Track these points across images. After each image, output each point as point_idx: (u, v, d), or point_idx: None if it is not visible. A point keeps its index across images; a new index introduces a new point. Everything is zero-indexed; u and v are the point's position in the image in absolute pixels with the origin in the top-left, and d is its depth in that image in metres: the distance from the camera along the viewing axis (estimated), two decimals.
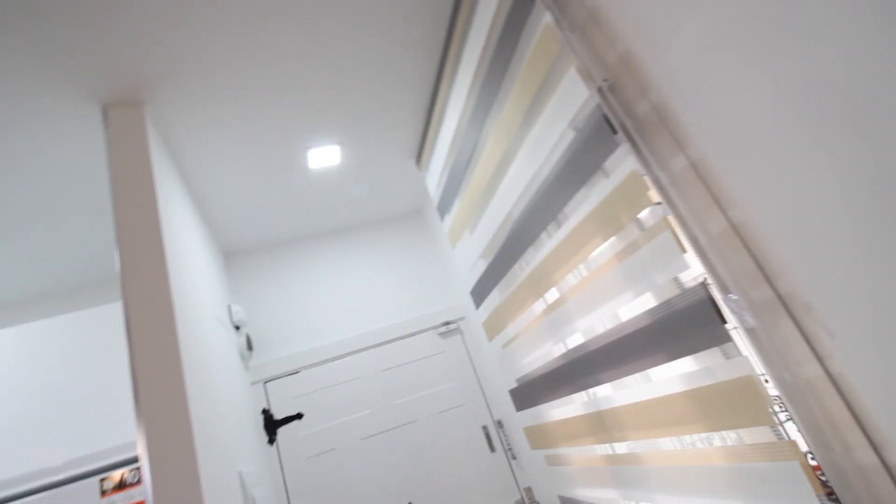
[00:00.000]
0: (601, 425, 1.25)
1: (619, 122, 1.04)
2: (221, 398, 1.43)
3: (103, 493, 1.30)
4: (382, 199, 2.40)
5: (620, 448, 1.40)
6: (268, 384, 2.12)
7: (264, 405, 2.08)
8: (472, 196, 1.65)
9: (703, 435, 1.19)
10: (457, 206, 1.84)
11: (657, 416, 1.07)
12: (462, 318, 2.37)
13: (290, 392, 2.11)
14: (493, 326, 1.73)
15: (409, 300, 2.41)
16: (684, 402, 0.99)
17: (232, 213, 2.07)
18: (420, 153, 2.05)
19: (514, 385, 1.71)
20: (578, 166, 1.15)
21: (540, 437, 1.60)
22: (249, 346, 2.04)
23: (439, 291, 2.45)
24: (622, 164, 1.04)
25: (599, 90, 1.07)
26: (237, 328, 2.00)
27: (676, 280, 1.07)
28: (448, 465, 2.09)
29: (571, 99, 1.11)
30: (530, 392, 1.59)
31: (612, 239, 1.15)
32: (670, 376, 1.06)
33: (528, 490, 2.09)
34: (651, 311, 1.04)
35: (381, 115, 1.81)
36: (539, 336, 1.45)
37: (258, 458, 1.81)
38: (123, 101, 1.43)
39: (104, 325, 1.54)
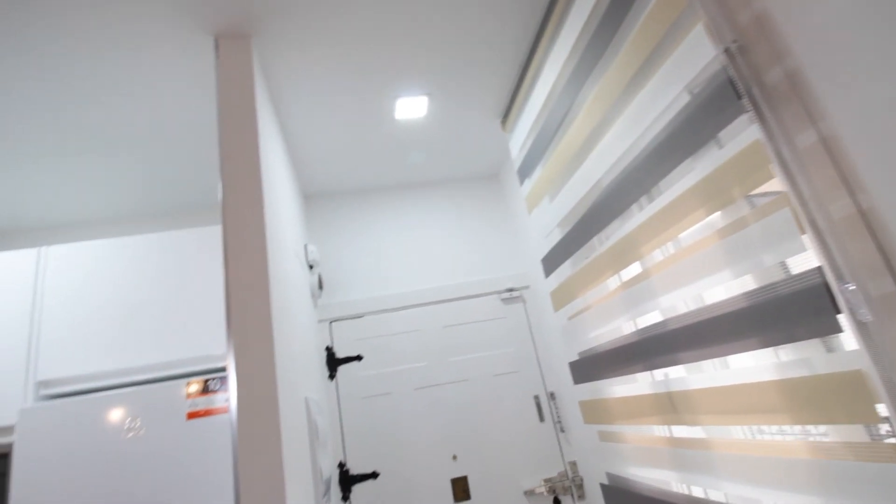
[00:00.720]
0: (670, 407, 1.22)
1: (745, 87, 0.96)
2: (296, 327, 1.52)
3: (188, 395, 1.42)
4: (462, 157, 2.39)
5: (686, 431, 1.36)
6: (333, 324, 2.22)
7: (328, 343, 2.18)
8: (558, 162, 1.61)
9: (786, 427, 1.13)
10: (539, 172, 1.80)
11: (736, 402, 1.02)
12: (526, 287, 2.35)
13: (353, 334, 2.20)
14: (562, 297, 1.70)
15: (476, 262, 2.42)
16: (772, 391, 0.93)
17: (316, 155, 2.14)
18: (507, 113, 2.01)
19: (576, 358, 1.69)
20: (688, 134, 1.08)
21: (596, 412, 1.58)
22: (320, 286, 2.13)
23: (506, 257, 2.44)
24: (742, 133, 0.96)
25: (727, 51, 0.99)
26: (311, 267, 2.09)
27: (783, 264, 1.00)
28: (495, 427, 2.13)
29: (693, 59, 1.04)
30: (593, 366, 1.56)
31: (717, 214, 1.09)
32: (756, 364, 1.00)
33: (573, 464, 2.09)
34: (748, 294, 0.98)
35: (472, 71, 1.78)
36: (611, 311, 1.41)
37: (320, 391, 1.92)
38: (234, 34, 1.49)
39: (203, 245, 1.66)
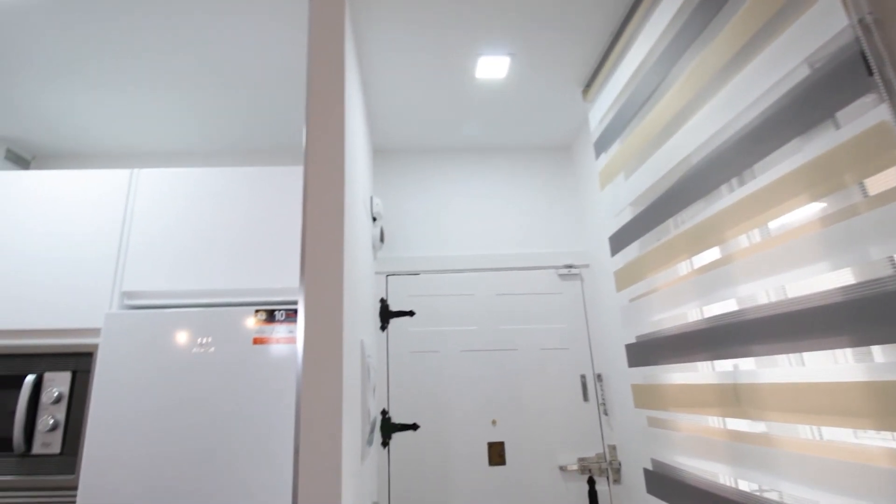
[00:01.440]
0: (733, 399, 1.17)
1: (877, 63, 0.88)
2: (359, 272, 1.56)
3: (255, 322, 1.50)
4: (535, 125, 2.33)
5: (747, 426, 1.31)
6: (389, 277, 2.27)
7: (382, 295, 2.24)
8: (640, 138, 1.54)
9: (865, 431, 1.07)
10: (617, 147, 1.73)
11: (809, 401, 0.97)
12: (586, 266, 2.30)
13: (407, 290, 2.25)
14: (627, 277, 1.66)
15: (537, 234, 2.39)
16: (857, 393, 0.88)
17: (391, 110, 2.15)
18: (590, 83, 1.94)
19: (633, 341, 1.65)
20: (801, 112, 1.00)
21: (649, 396, 1.55)
22: (381, 239, 2.18)
23: (568, 233, 2.39)
24: (867, 114, 0.88)
25: (861, 22, 0.90)
26: (374, 219, 2.14)
27: (892, 259, 0.92)
28: (537, 399, 2.13)
29: (819, 29, 0.95)
30: (652, 350, 1.52)
31: (822, 201, 1.01)
32: (840, 363, 0.94)
33: (613, 448, 2.07)
34: (845, 289, 0.91)
35: (560, 35, 1.72)
36: (680, 295, 1.36)
37: (372, 338, 1.98)
38: None
39: (283, 184, 1.73)
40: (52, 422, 1.51)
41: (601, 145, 1.83)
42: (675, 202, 1.39)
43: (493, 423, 2.10)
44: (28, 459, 1.48)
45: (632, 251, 1.67)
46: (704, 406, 1.27)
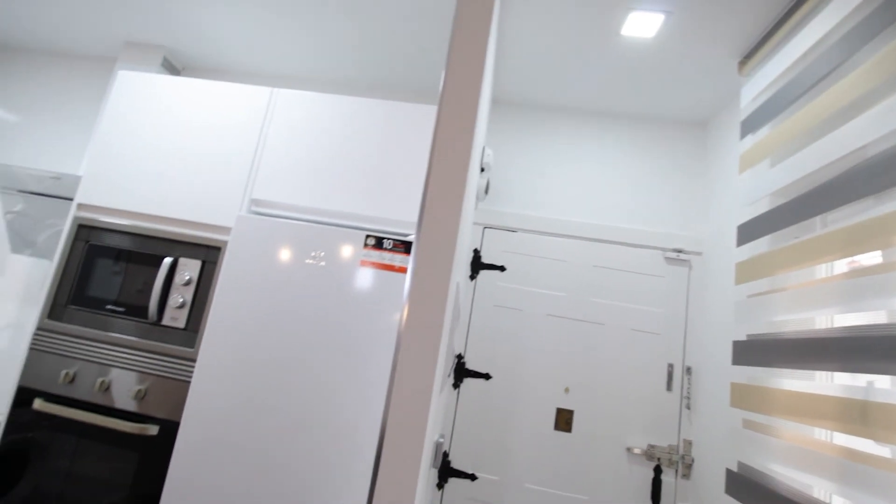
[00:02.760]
0: (858, 416, 1.07)
1: None
2: (468, 217, 1.58)
3: (365, 245, 1.58)
4: (672, 94, 2.15)
5: (867, 446, 1.21)
6: (486, 230, 2.28)
7: (476, 246, 2.26)
8: (800, 123, 1.37)
9: None
10: (767, 130, 1.57)
11: None
12: (698, 254, 2.16)
13: (502, 246, 2.25)
14: (750, 271, 1.53)
15: (648, 212, 2.26)
16: None
17: (519, 59, 2.09)
18: (750, 55, 1.75)
19: (743, 338, 1.54)
20: None
21: (750, 398, 1.46)
22: (486, 190, 2.17)
23: (685, 216, 2.24)
24: None
25: None
26: (482, 170, 2.13)
27: None
28: (616, 378, 2.09)
29: None
30: (764, 351, 1.42)
31: None
32: None
33: (688, 443, 2.00)
34: None
35: None
36: (815, 299, 1.24)
37: (463, 283, 2.02)
38: None
39: (411, 120, 1.76)
40: (181, 300, 1.71)
41: (750, 125, 1.66)
42: (832, 197, 1.24)
43: (566, 390, 2.09)
44: (158, 328, 1.70)
45: (761, 244, 1.53)
46: (818, 418, 1.17)
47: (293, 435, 1.46)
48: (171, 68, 2.65)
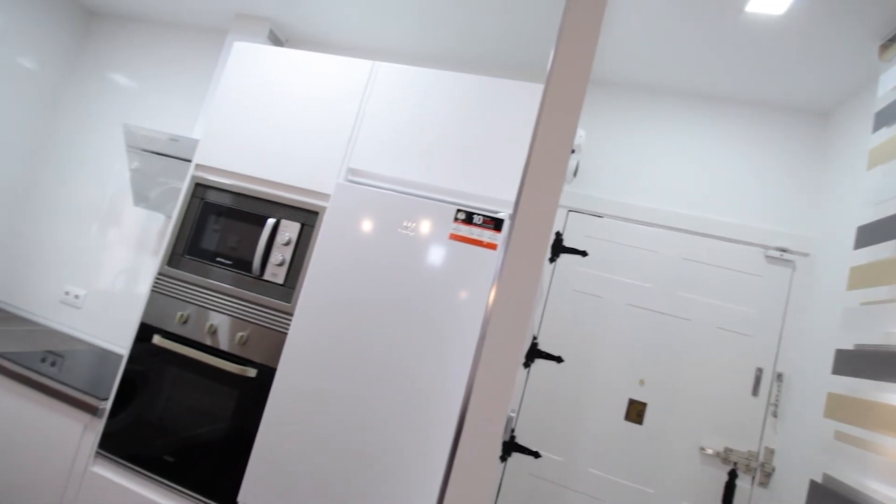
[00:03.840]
0: None
1: None
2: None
3: (455, 219, 1.62)
4: (793, 79, 1.97)
5: None
6: (570, 213, 2.25)
7: (559, 229, 2.24)
8: None
9: None
10: None
11: None
12: (805, 255, 2.01)
13: (586, 230, 2.22)
14: (867, 277, 1.41)
15: (751, 206, 2.12)
16: None
17: (624, 35, 2.00)
18: (895, 39, 1.57)
19: (849, 347, 1.44)
20: None
21: (849, 410, 1.37)
22: (574, 173, 2.14)
23: (794, 213, 2.07)
24: None
25: None
26: (572, 151, 2.09)
27: None
28: (697, 377, 2.02)
29: None
30: (874, 363, 1.31)
31: None
32: None
33: (770, 451, 1.91)
34: None
35: None
36: None
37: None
38: None
39: (513, 97, 1.75)
40: (280, 258, 1.85)
41: (886, 117, 1.50)
42: None
43: (641, 382, 2.06)
44: (260, 282, 1.85)
45: (884, 249, 1.40)
46: None
47: (377, 391, 1.55)
48: (276, 40, 2.79)
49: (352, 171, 1.87)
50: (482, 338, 1.30)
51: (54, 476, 1.91)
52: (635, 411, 2.04)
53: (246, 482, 1.62)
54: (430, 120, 1.81)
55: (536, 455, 1.86)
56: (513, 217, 1.35)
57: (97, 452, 1.88)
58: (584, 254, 2.21)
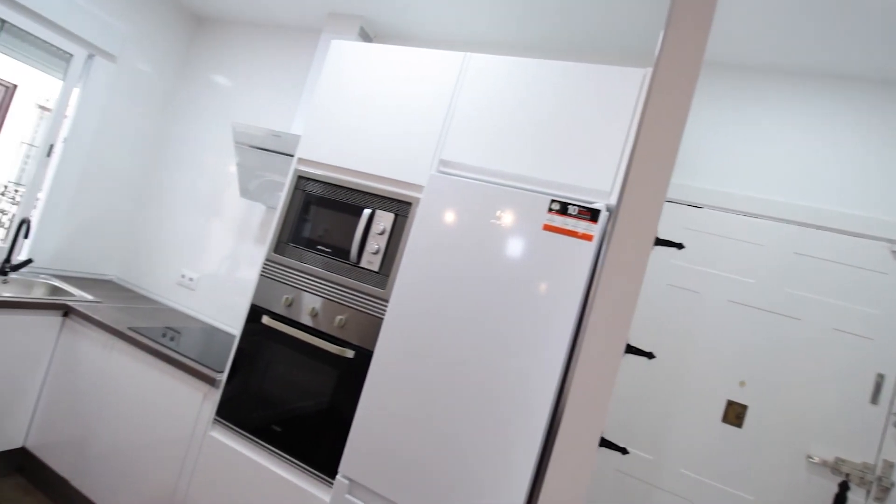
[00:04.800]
0: None
1: None
2: None
3: (549, 210, 1.62)
4: None
5: None
6: (665, 203, 2.15)
7: None
8: None
9: None
10: None
11: None
12: None
13: (682, 222, 2.12)
14: None
15: (879, 196, 1.91)
16: None
17: (733, 12, 1.88)
18: None
19: None
20: None
21: None
22: None
23: None
24: None
25: None
26: None
27: None
28: (805, 381, 1.89)
29: None
30: None
31: None
32: None
33: (889, 464, 1.75)
34: None
35: None
36: None
37: None
38: None
39: (609, 84, 1.71)
40: (376, 247, 1.94)
41: None
42: None
43: (742, 384, 1.95)
44: (357, 269, 1.96)
45: None
46: None
47: (468, 379, 1.60)
48: (366, 36, 2.90)
49: (443, 163, 1.91)
50: (583, 329, 1.30)
51: (179, 438, 2.16)
52: (734, 413, 1.94)
53: (346, 456, 1.73)
54: (523, 110, 1.81)
55: (624, 451, 1.83)
56: (616, 207, 1.34)
57: (214, 419, 2.10)
58: (679, 246, 2.12)
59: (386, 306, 1.84)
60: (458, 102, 1.92)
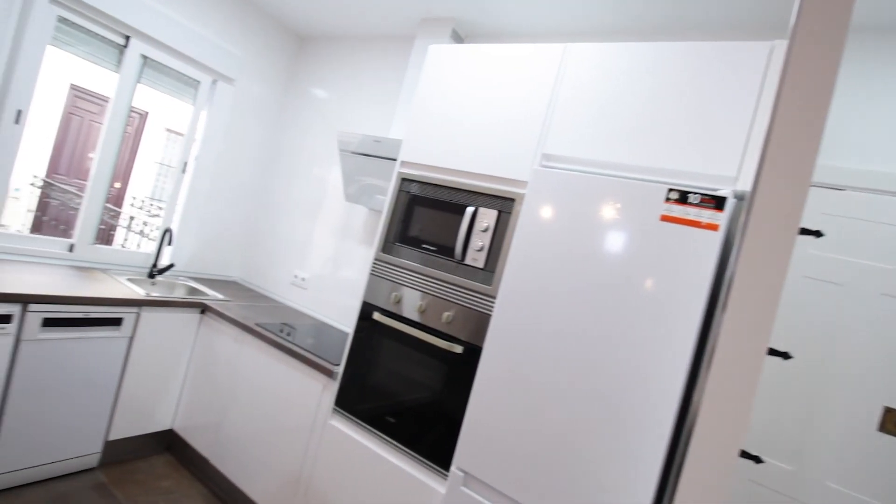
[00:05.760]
0: None
1: None
2: None
3: (666, 199, 1.52)
4: None
5: None
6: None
7: None
8: None
9: None
10: None
11: None
12: None
13: (821, 206, 1.90)
14: None
15: None
16: None
17: None
18: None
19: None
20: None
21: None
22: None
23: None
24: None
25: None
26: None
27: None
28: None
29: None
30: None
31: None
32: None
33: None
34: None
35: None
36: None
37: None
38: None
39: (724, 61, 1.58)
40: (480, 244, 1.96)
41: None
42: None
43: None
44: (462, 266, 1.99)
45: None
46: None
47: (579, 377, 1.55)
48: (457, 37, 2.94)
49: (546, 157, 1.88)
50: (715, 328, 1.21)
51: (301, 426, 2.33)
52: (892, 422, 1.69)
53: (459, 450, 1.77)
54: (631, 96, 1.73)
55: (758, 460, 1.67)
56: (751, 193, 1.22)
57: (334, 409, 2.24)
58: (817, 234, 1.90)
59: (492, 302, 1.85)
60: (559, 94, 1.88)
